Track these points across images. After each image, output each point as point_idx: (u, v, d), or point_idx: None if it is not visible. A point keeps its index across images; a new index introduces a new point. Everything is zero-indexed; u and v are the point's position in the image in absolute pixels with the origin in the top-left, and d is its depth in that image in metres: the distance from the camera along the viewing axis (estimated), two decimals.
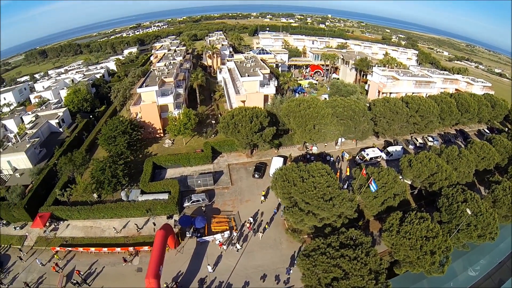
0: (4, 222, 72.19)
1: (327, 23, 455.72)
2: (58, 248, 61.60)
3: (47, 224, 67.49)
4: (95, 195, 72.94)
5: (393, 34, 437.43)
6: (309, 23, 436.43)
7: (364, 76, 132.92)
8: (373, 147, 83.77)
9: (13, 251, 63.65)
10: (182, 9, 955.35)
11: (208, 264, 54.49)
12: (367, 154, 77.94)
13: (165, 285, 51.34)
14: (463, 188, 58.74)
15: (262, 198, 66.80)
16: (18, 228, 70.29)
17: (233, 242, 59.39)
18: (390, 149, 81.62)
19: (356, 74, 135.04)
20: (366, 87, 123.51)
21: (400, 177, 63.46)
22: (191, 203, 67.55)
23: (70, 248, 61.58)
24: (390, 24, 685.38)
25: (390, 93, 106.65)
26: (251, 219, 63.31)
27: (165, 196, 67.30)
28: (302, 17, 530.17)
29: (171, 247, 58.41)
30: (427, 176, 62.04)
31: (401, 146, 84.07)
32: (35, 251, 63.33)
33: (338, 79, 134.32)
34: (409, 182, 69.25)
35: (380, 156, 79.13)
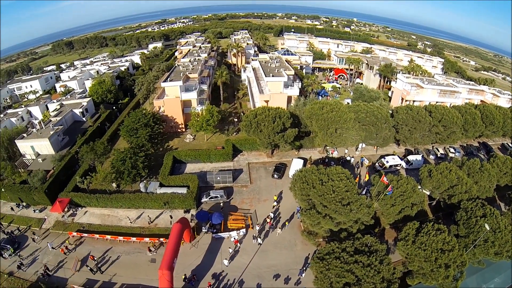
0: (24, 204, 74.83)
1: (352, 27, 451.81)
2: (74, 233, 63.69)
3: (66, 209, 69.80)
4: (114, 185, 74.52)
5: (419, 41, 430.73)
6: (334, 26, 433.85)
7: (388, 83, 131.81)
8: (393, 154, 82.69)
9: (31, 233, 66.40)
10: (208, 7, 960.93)
11: (225, 258, 55.16)
12: (387, 162, 77.11)
13: (183, 277, 52.46)
14: (482, 203, 57.46)
15: (275, 203, 66.63)
16: (38, 211, 73.00)
17: (254, 235, 60.06)
18: (410, 157, 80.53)
19: (380, 80, 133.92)
20: (390, 94, 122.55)
21: (419, 187, 62.70)
22: (209, 199, 68.27)
23: (86, 234, 63.51)
24: (416, 30, 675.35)
25: (414, 101, 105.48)
26: (272, 215, 64.02)
27: (183, 190, 68.04)
28: (327, 19, 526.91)
29: (186, 241, 59.19)
30: (446, 188, 60.68)
31: (422, 156, 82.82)
32: (48, 234, 65.85)
33: (361, 84, 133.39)
34: (428, 193, 68.16)
35: (400, 164, 77.99)
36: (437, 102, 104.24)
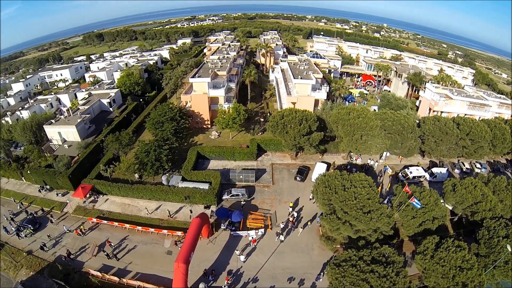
0: (48, 187, 77.34)
1: (382, 33, 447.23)
2: (94, 219, 65.84)
3: (88, 195, 72.09)
4: (136, 175, 76.20)
5: (450, 50, 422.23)
6: (363, 31, 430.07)
7: (416, 92, 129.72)
8: (417, 165, 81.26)
9: (52, 215, 69.36)
10: (238, 6, 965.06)
11: (242, 254, 55.76)
12: (410, 172, 75.94)
13: (204, 271, 53.23)
14: (506, 223, 55.57)
15: (290, 209, 65.90)
16: (60, 195, 75.99)
17: (277, 232, 60.50)
18: (434, 170, 78.80)
19: (408, 88, 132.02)
20: (417, 103, 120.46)
21: (442, 200, 60.71)
22: (230, 196, 68.78)
23: (105, 221, 65.43)
24: (447, 38, 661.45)
25: (442, 112, 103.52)
26: (295, 214, 64.42)
27: (205, 186, 68.78)
28: (357, 24, 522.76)
29: (204, 236, 59.81)
30: (470, 204, 59.05)
31: (446, 169, 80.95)
32: (66, 218, 68.78)
33: (389, 91, 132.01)
34: (450, 208, 66.19)
35: (424, 176, 76.82)
36: (465, 114, 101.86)
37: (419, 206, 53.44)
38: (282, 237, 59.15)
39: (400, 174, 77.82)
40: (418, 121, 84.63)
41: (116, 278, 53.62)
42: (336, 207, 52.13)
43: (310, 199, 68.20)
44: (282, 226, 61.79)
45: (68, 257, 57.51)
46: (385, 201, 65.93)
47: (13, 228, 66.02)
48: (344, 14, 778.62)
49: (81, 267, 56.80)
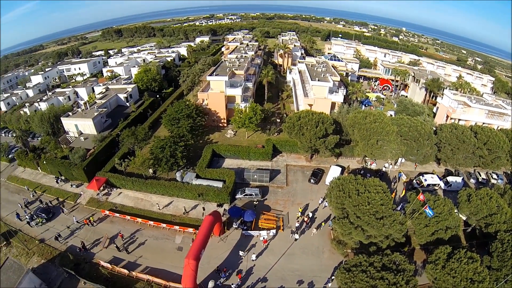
0: (63, 178, 79.06)
1: (400, 37, 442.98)
2: (107, 212, 67.24)
3: (101, 188, 73.66)
4: (150, 171, 77.07)
5: (469, 56, 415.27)
6: (382, 35, 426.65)
7: (434, 98, 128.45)
8: (432, 173, 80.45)
9: (65, 206, 71.60)
10: (257, 5, 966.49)
11: (253, 253, 56.19)
12: (425, 180, 75.07)
13: (217, 268, 53.95)
14: None
15: (299, 214, 65.55)
16: (75, 186, 77.93)
17: (292, 230, 61.05)
18: (450, 179, 77.56)
19: (426, 94, 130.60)
20: (434, 110, 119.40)
21: (456, 210, 59.72)
22: (244, 195, 69.20)
23: (118, 214, 66.72)
24: (466, 44, 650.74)
25: (459, 119, 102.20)
26: (310, 214, 64.54)
27: (219, 184, 69.25)
28: (375, 27, 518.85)
29: (216, 234, 60.37)
30: (484, 215, 57.95)
31: (462, 178, 79.53)
32: (77, 208, 70.73)
33: (406, 97, 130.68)
34: (464, 218, 64.61)
35: (438, 184, 75.63)
36: (483, 123, 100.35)
37: (431, 215, 52.95)
38: (296, 236, 59.62)
39: (414, 181, 77.03)
40: (434, 128, 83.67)
41: (125, 271, 54.51)
42: (349, 212, 52.07)
43: (320, 203, 68.27)
44: (297, 225, 62.10)
45: (83, 249, 58.81)
46: (398, 208, 65.48)
47: (27, 216, 68.07)
48: (363, 16, 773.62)
49: (91, 258, 58.18)
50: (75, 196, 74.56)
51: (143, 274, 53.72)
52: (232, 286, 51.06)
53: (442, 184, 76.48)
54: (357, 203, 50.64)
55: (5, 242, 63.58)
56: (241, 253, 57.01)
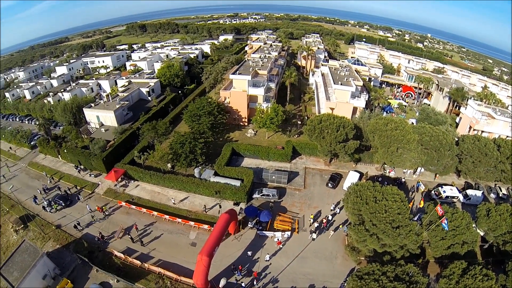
0: (82, 167, 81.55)
1: (425, 43, 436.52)
2: (123, 203, 68.84)
3: (119, 179, 75.32)
4: (169, 165, 78.37)
5: (496, 66, 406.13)
6: (406, 40, 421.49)
7: (457, 108, 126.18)
8: (451, 185, 78.69)
9: (81, 194, 74.33)
10: (281, 6, 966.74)
11: (267, 253, 56.50)
12: (444, 191, 73.42)
13: (233, 267, 54.42)
14: None
15: (311, 220, 64.76)
16: (93, 176, 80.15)
17: (311, 230, 61.54)
18: (469, 192, 75.45)
19: (449, 103, 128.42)
20: (457, 120, 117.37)
21: (474, 225, 58.06)
22: (261, 195, 69.59)
23: (134, 206, 68.13)
24: (493, 54, 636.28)
25: (482, 131, 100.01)
26: (330, 216, 64.57)
27: (237, 183, 69.61)
28: (400, 32, 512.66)
29: (230, 232, 60.85)
30: (503, 232, 56.12)
31: (482, 192, 77.09)
32: (92, 197, 73.30)
33: (429, 105, 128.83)
34: (482, 234, 62.61)
35: (457, 197, 73.83)
36: (507, 136, 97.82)
37: (447, 228, 51.96)
38: (314, 235, 59.93)
39: (433, 192, 75.42)
40: (456, 139, 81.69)
41: (138, 262, 55.66)
42: (365, 218, 51.68)
43: (332, 209, 67.80)
44: (316, 225, 62.34)
45: (102, 239, 60.21)
46: (415, 218, 64.46)
47: (44, 201, 70.53)
48: (388, 21, 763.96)
49: (105, 247, 59.73)
50: (93, 186, 76.85)
51: (155, 267, 54.78)
52: (243, 285, 51.63)
53: (461, 197, 74.57)
54: (374, 210, 50.30)
55: (22, 225, 65.96)
56: (249, 253, 57.50)
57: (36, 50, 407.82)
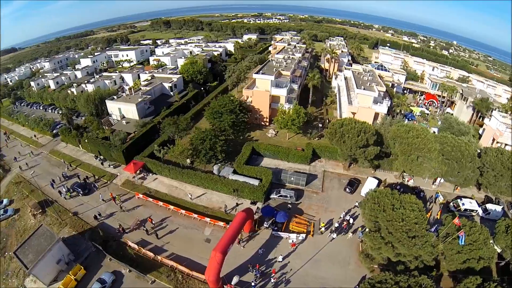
0: (102, 158, 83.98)
1: (450, 50, 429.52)
2: (141, 195, 70.40)
3: (138, 172, 76.90)
4: (188, 161, 79.55)
5: None
6: (431, 47, 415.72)
7: (481, 119, 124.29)
8: (471, 198, 76.84)
9: (96, 182, 77.13)
10: (306, 8, 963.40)
11: (281, 254, 56.92)
12: (463, 204, 71.94)
13: (249, 265, 55.11)
14: None
15: (322, 229, 63.76)
16: (112, 166, 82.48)
17: (331, 229, 62.20)
18: (489, 206, 73.74)
19: (473, 114, 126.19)
20: (480, 131, 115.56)
21: (491, 241, 57.12)
22: (278, 196, 69.95)
23: (151, 199, 69.58)
24: None
25: (506, 144, 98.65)
26: (352, 220, 64.95)
27: (255, 182, 70.14)
28: (425, 38, 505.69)
29: (246, 231, 61.26)
30: None
31: (502, 207, 75.08)
32: (108, 186, 75.97)
33: (452, 114, 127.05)
34: (499, 250, 60.46)
35: (476, 210, 72.10)
36: None
37: (463, 242, 51.09)
38: (334, 235, 60.63)
39: (451, 204, 73.91)
40: (479, 151, 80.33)
41: (151, 254, 56.96)
42: (382, 226, 51.24)
43: (342, 216, 66.88)
44: (336, 225, 62.81)
45: (123, 231, 61.63)
46: (432, 230, 63.52)
47: (63, 188, 73.44)
48: (412, 26, 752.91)
49: (120, 238, 61.33)
50: (111, 176, 79.22)
51: (168, 260, 55.86)
52: (253, 284, 52.11)
53: (480, 211, 72.67)
54: (390, 218, 49.67)
55: (40, 210, 68.35)
56: (260, 251, 58.06)
57: (62, 42, 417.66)
